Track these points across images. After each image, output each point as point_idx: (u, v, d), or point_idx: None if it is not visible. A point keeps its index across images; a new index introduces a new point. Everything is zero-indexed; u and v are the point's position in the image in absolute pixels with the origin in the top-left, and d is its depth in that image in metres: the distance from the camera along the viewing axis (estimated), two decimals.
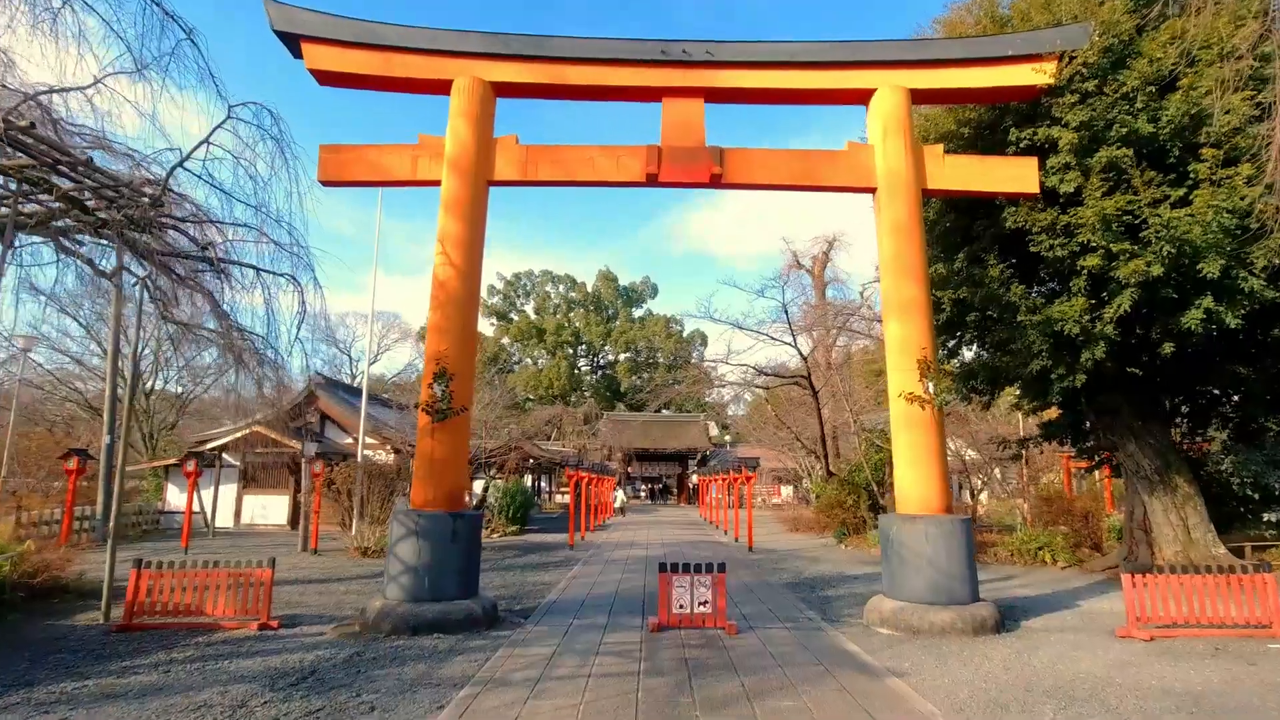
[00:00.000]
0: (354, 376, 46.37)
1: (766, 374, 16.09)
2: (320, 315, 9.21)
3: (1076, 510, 12.91)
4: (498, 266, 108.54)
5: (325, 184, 8.84)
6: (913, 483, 8.23)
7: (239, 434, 20.58)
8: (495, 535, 21.21)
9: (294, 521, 22.13)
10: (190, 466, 15.66)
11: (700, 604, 7.58)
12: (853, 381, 27.43)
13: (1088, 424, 12.73)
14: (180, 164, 7.49)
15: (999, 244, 10.09)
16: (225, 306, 8.74)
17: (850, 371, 33.46)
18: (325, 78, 8.91)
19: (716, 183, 8.94)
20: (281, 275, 8.70)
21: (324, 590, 10.80)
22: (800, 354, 14.90)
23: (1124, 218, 8.69)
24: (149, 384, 27.09)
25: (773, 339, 15.34)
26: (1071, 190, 8.99)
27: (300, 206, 12.75)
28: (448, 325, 8.34)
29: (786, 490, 45.34)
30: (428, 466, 8.08)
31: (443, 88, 8.98)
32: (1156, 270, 8.44)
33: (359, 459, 19.47)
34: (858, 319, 16.82)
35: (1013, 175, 9.02)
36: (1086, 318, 9.07)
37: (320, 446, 19.30)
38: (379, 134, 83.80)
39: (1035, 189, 8.97)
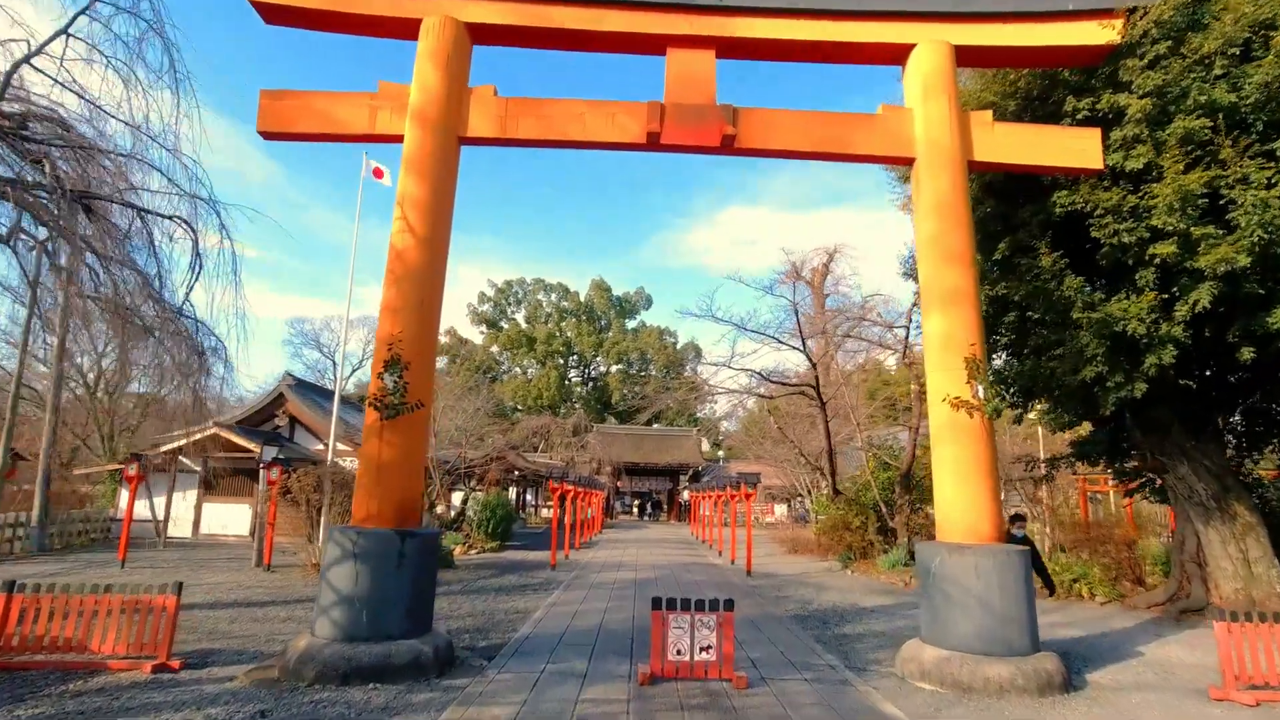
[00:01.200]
0: (340, 381, 44.77)
1: (772, 381, 14.78)
2: (235, 274, 7.70)
3: (1117, 538, 11.56)
4: (489, 274, 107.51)
5: (266, 136, 7.46)
6: (959, 505, 6.86)
7: (196, 436, 19.01)
8: (473, 552, 19.69)
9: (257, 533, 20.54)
10: (132, 470, 14.10)
11: (702, 649, 6.16)
12: (857, 394, 26.14)
13: (1128, 442, 11.44)
14: (28, 59, 5.95)
15: (1048, 233, 8.81)
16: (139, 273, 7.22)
17: (854, 384, 32.20)
18: (271, 13, 7.56)
19: (728, 146, 7.62)
20: (171, 218, 7.11)
21: (262, 616, 9.30)
22: (809, 359, 13.60)
23: (1200, 201, 7.44)
24: (106, 381, 25.44)
25: (780, 342, 14.13)
26: (1140, 166, 7.73)
27: (198, 137, 11.14)
28: (404, 304, 6.95)
29: (780, 509, 43.88)
30: (373, 473, 6.65)
31: (410, 29, 7.65)
32: (1243, 260, 7.17)
33: (328, 465, 17.98)
34: (866, 325, 15.60)
35: (1073, 148, 7.75)
36: (1153, 316, 7.79)
37: (283, 451, 17.78)
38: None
39: (1098, 164, 7.70)
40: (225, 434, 18.67)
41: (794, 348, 13.68)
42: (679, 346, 59.75)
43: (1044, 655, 6.37)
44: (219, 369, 8.79)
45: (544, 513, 39.78)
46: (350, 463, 21.64)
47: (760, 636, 8.33)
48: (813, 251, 16.87)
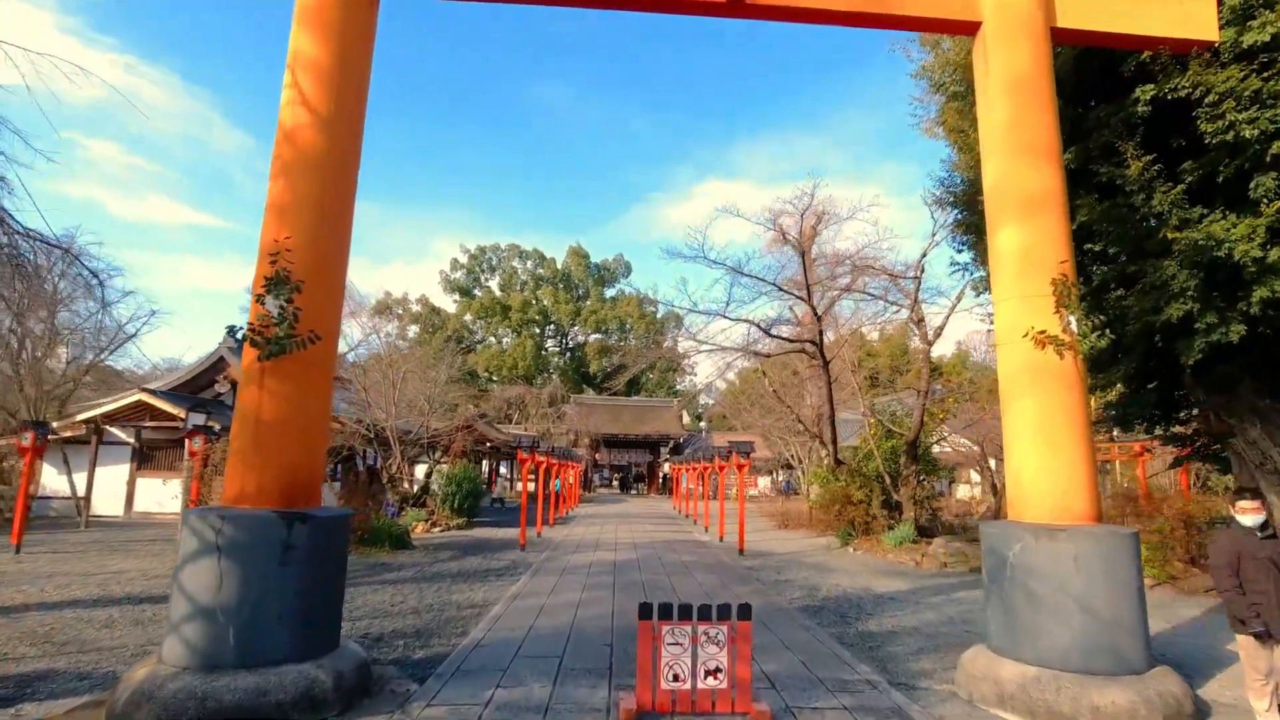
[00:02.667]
0: None
1: (771, 335, 13.06)
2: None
3: (1169, 512, 10.09)
4: (461, 239, 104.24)
5: None
6: (1045, 474, 5.19)
7: (121, 403, 16.89)
8: (436, 530, 17.92)
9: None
10: (25, 441, 12.05)
11: (708, 673, 4.46)
12: (857, 355, 24.57)
13: (1185, 403, 9.92)
14: None
15: (1136, 133, 7.08)
16: None
17: (855, 345, 30.74)
18: None
19: (737, 4, 5.73)
20: None
21: (153, 616, 7.47)
22: (813, 309, 11.88)
23: None
24: (32, 345, 22.99)
25: (779, 289, 12.35)
26: (1266, 39, 6.01)
27: None
28: (296, 201, 5.03)
29: (764, 481, 42.66)
30: (250, 435, 4.79)
31: None
32: None
33: None
34: (871, 278, 13.87)
35: (1180, 14, 5.98)
36: (1266, 236, 6.15)
37: (218, 418, 15.76)
38: None
39: (1212, 35, 5.96)
40: (152, 400, 16.55)
41: (796, 296, 11.94)
42: (659, 316, 57.86)
43: (1163, 672, 4.77)
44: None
45: (519, 487, 38.05)
46: None
47: (771, 639, 6.67)
48: (800, 213, 15.14)
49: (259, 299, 4.81)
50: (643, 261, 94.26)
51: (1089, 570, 4.75)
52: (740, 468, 14.06)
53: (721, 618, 4.54)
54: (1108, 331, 5.41)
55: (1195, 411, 9.72)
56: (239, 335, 20.19)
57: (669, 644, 4.48)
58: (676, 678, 4.44)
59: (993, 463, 25.97)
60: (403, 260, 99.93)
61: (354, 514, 5.05)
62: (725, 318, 12.38)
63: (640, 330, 58.26)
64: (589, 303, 60.51)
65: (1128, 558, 4.83)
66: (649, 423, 45.68)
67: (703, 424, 54.04)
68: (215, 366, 19.52)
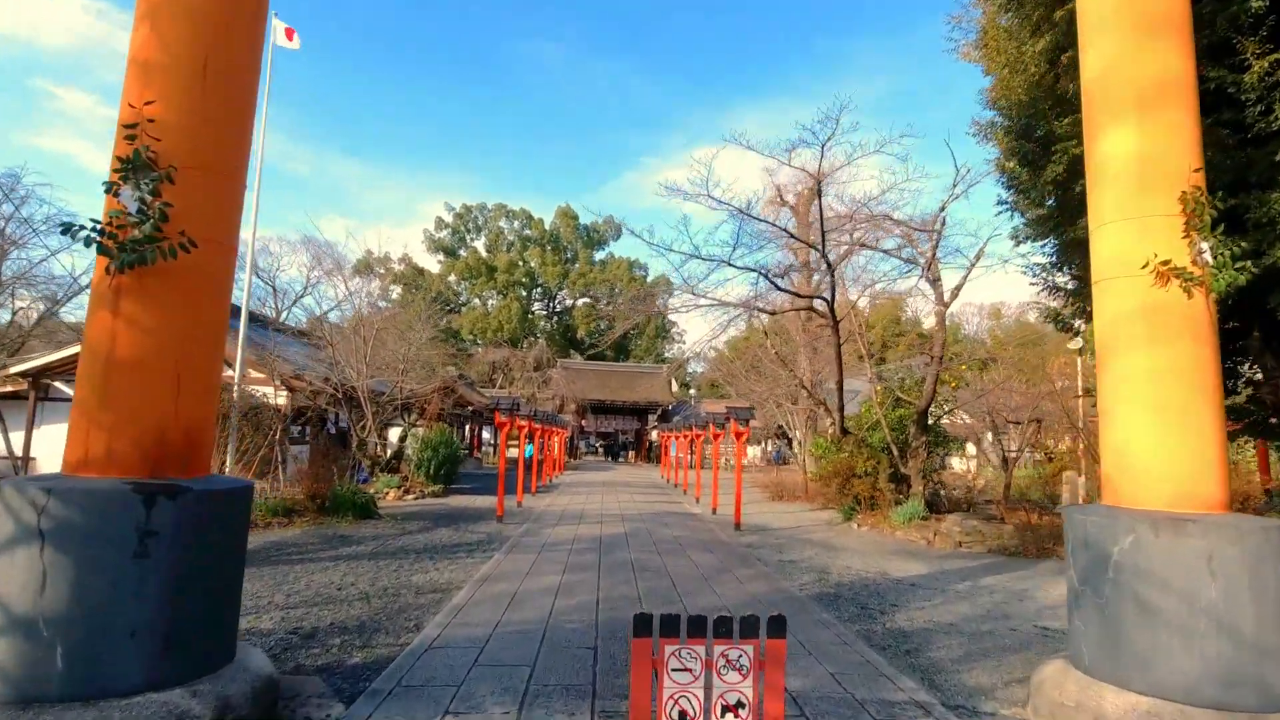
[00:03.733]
0: (280, 312, 40.02)
1: (781, 288, 11.73)
2: None
3: (1249, 492, 9.01)
4: (446, 198, 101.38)
5: None
6: (1162, 449, 3.99)
7: (60, 355, 15.40)
8: (409, 497, 16.74)
9: None
10: None
11: (728, 709, 3.27)
12: (864, 318, 23.38)
13: (1254, 368, 8.81)
14: None
15: (1260, 28, 5.77)
16: None
17: (865, 305, 29.67)
18: None
19: None
20: None
21: None
22: (826, 259, 10.56)
23: None
24: None
25: (792, 235, 11.00)
26: None
27: None
28: (168, 58, 3.64)
29: (754, 450, 41.79)
30: (99, 378, 3.49)
31: None
32: None
33: (235, 390, 14.76)
34: (885, 232, 12.54)
35: None
36: None
37: None
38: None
39: None
40: None
41: (809, 245, 10.60)
42: (650, 280, 56.34)
43: None
44: None
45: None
46: (278, 396, 18.32)
47: (789, 640, 5.52)
48: (797, 175, 13.72)
49: (111, 189, 3.45)
50: (636, 219, 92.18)
51: (1228, 575, 3.58)
52: (739, 436, 12.91)
53: (746, 634, 3.34)
54: (1250, 264, 4.16)
55: (1262, 380, 8.59)
56: None
57: (674, 670, 3.28)
58: (684, 716, 3.25)
59: (990, 436, 25.06)
60: (390, 221, 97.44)
61: (252, 485, 3.73)
62: (731, 265, 11.07)
63: (630, 295, 56.82)
64: (578, 265, 58.86)
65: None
66: (637, 389, 44.59)
67: (692, 391, 53.02)
68: None
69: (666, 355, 59.20)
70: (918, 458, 13.76)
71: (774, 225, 10.82)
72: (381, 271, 54.46)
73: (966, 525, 11.57)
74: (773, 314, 13.56)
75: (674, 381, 49.53)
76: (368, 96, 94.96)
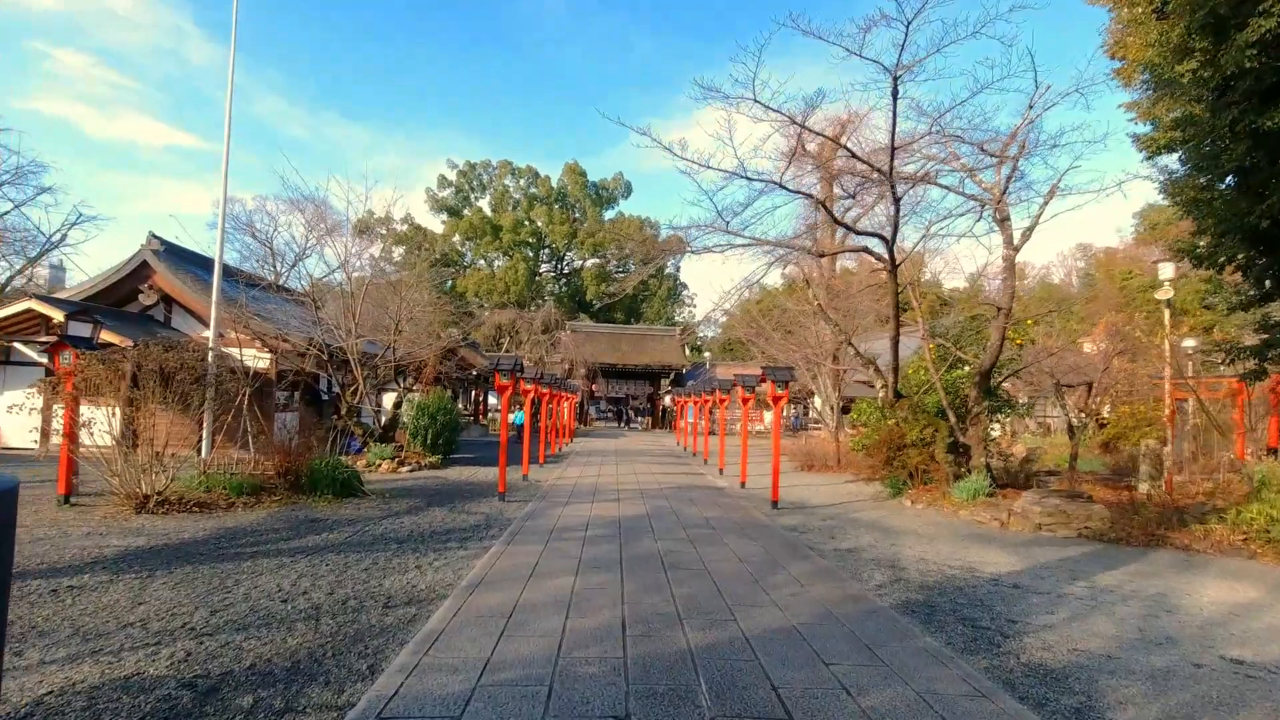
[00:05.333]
0: (279, 274, 38.04)
1: (838, 221, 9.73)
2: None
3: None
4: (449, 153, 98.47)
5: None
6: None
7: (8, 311, 13.78)
8: (404, 469, 15.18)
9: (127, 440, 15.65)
10: None
11: None
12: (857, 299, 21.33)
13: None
14: None
15: None
16: None
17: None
18: None
19: None
20: None
21: None
22: (893, 188, 8.43)
23: None
24: None
25: (853, 154, 8.96)
26: None
27: None
28: None
29: (768, 416, 40.08)
30: None
31: None
32: None
33: (208, 349, 13.15)
34: (951, 157, 10.40)
35: None
36: None
37: (148, 334, 12.70)
38: None
39: None
40: (42, 309, 13.41)
41: (873, 166, 8.52)
42: (662, 239, 54.04)
43: None
44: None
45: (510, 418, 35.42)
46: (255, 358, 16.70)
47: (892, 687, 3.83)
48: (821, 122, 11.52)
49: None
50: (643, 185, 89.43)
51: None
52: (776, 400, 11.16)
53: None
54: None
55: None
56: (167, 239, 16.90)
57: None
58: None
59: (1022, 402, 23.18)
60: (393, 185, 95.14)
61: (15, 486, 1.93)
62: (784, 188, 8.98)
63: (641, 255, 54.63)
64: (586, 224, 56.56)
65: None
66: (649, 352, 42.85)
67: (706, 354, 51.17)
68: (138, 274, 16.29)
69: (677, 319, 57.30)
70: (979, 424, 12.00)
71: (833, 141, 8.70)
72: (383, 232, 52.55)
73: (1047, 504, 9.83)
74: (821, 255, 11.63)
75: (685, 346, 47.76)
76: (366, 57, 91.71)
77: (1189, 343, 17.98)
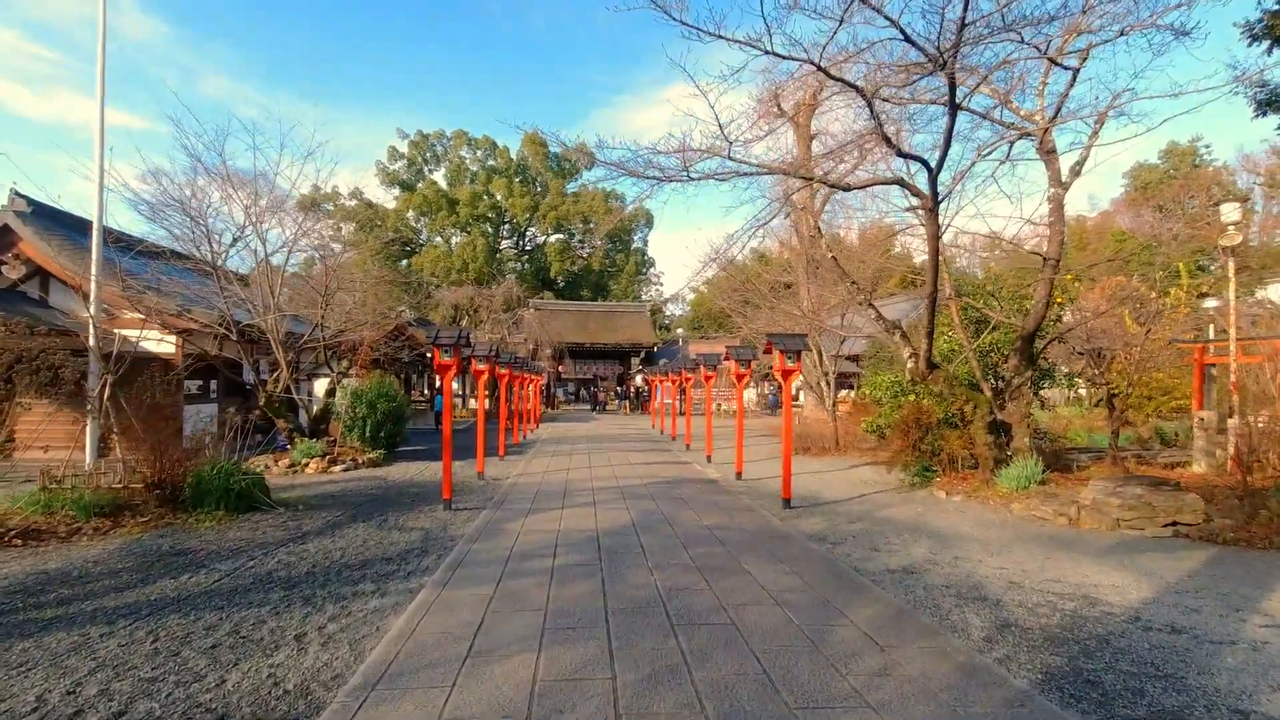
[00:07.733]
0: (217, 255, 34.27)
1: (891, 142, 7.60)
2: None
3: None
4: (400, 123, 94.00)
5: None
6: None
7: None
8: (337, 468, 12.74)
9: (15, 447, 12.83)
10: None
11: None
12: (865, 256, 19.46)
13: None
14: None
15: None
16: None
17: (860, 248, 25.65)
18: None
19: None
20: None
21: None
22: (952, 89, 6.32)
23: None
24: None
25: (911, 44, 6.83)
26: None
27: None
28: None
29: (749, 394, 38.26)
30: None
31: None
32: None
33: (90, 334, 10.61)
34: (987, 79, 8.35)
35: None
36: None
37: (16, 313, 9.99)
38: None
39: None
40: None
41: (930, 56, 6.35)
42: (629, 211, 51.54)
43: None
44: None
45: (471, 404, 32.87)
46: (158, 343, 14.04)
47: None
48: (796, 81, 9.46)
49: None
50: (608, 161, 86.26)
51: None
52: (786, 375, 9.05)
53: None
54: None
55: None
56: (33, 198, 13.98)
57: None
58: None
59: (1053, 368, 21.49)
60: (351, 167, 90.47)
61: None
62: (823, 71, 6.69)
63: (606, 229, 52.07)
64: (548, 198, 53.69)
65: None
66: (618, 330, 40.58)
67: (679, 331, 49.11)
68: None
69: (644, 298, 55.04)
70: (1022, 399, 10.09)
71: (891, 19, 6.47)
72: (330, 207, 48.98)
73: (1126, 494, 7.91)
74: (847, 189, 9.46)
75: (655, 324, 45.55)
76: (323, 33, 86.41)
77: (1210, 303, 16.41)
